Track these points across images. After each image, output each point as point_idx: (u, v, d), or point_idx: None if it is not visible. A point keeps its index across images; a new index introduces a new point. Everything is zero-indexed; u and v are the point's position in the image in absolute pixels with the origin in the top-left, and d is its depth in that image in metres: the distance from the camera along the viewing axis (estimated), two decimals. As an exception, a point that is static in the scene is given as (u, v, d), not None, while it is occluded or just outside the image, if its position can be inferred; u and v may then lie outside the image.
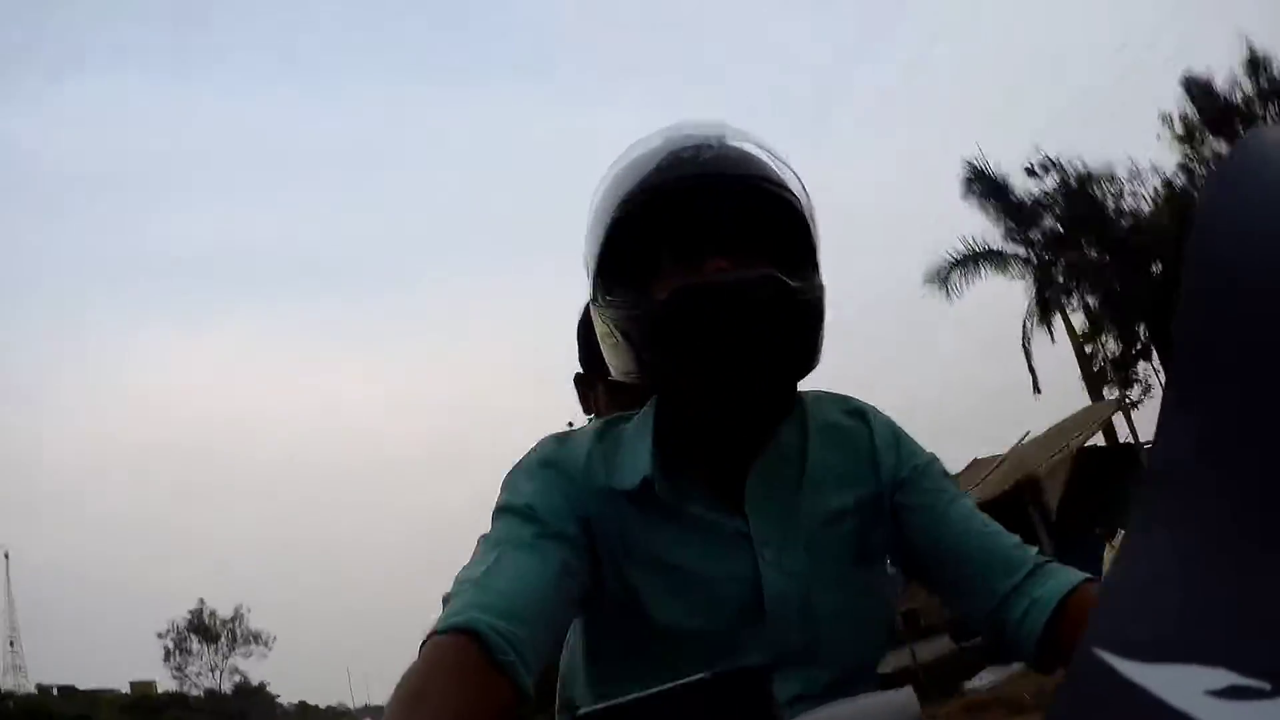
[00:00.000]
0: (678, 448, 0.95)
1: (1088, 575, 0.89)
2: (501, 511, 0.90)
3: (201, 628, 52.36)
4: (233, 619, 53.03)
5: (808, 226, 0.93)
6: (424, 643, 0.76)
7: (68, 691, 52.55)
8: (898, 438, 1.02)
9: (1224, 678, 0.39)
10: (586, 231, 0.96)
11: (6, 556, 47.14)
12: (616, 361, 0.96)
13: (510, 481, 0.94)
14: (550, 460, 0.94)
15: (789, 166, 0.93)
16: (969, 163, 20.01)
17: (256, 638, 53.88)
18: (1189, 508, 0.47)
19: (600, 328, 0.97)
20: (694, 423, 0.93)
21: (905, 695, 0.80)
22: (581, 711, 0.58)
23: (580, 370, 1.55)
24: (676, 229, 0.90)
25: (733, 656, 0.91)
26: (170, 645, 51.66)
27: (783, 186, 0.91)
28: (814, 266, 0.93)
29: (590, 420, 1.33)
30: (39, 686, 51.94)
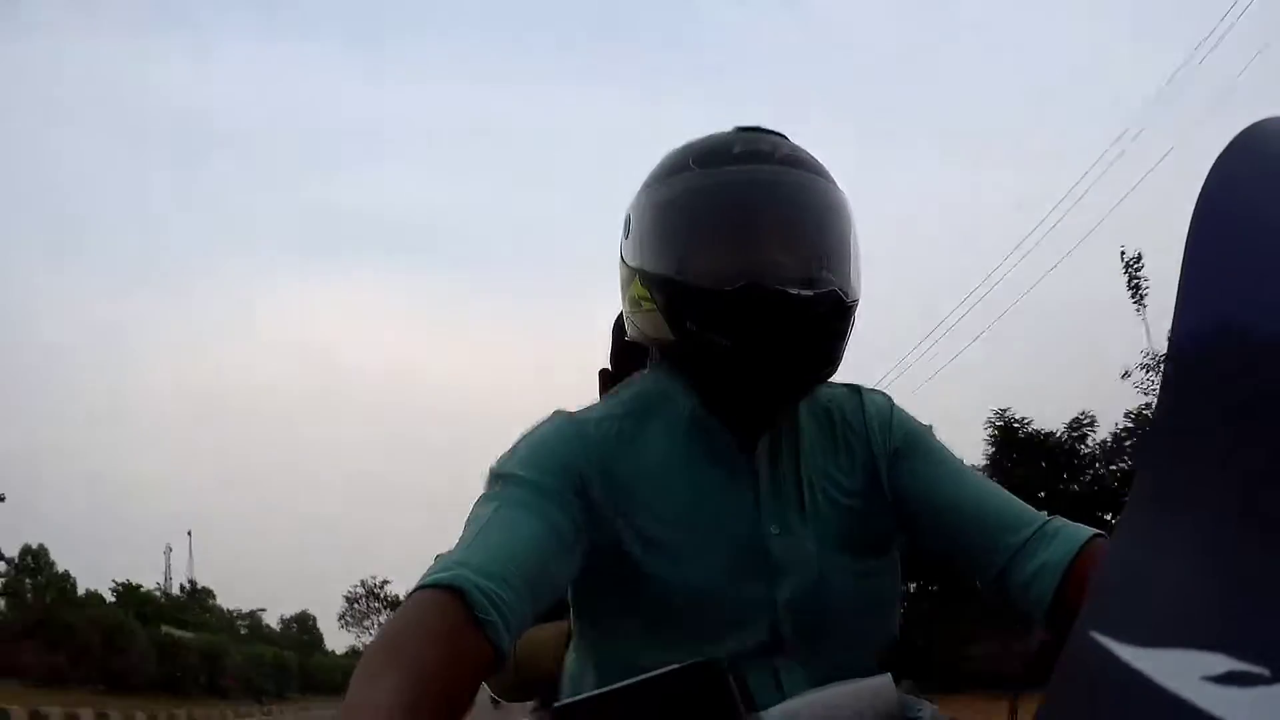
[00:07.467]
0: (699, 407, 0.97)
1: (1096, 531, 0.89)
2: (503, 472, 0.90)
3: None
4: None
5: (852, 235, 0.97)
6: (409, 595, 0.76)
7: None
8: (891, 411, 1.03)
9: (1221, 663, 0.40)
10: (647, 200, 0.98)
11: (190, 534, 52.01)
12: (647, 326, 0.98)
13: (518, 443, 0.95)
14: (561, 424, 0.95)
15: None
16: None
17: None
18: (1186, 491, 0.47)
19: (635, 291, 0.98)
20: (719, 392, 0.95)
21: (883, 682, 0.80)
22: (556, 705, 0.61)
23: (607, 367, 1.56)
24: (745, 211, 0.93)
25: (736, 631, 0.91)
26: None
27: (839, 195, 0.97)
28: (857, 273, 0.96)
29: None
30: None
